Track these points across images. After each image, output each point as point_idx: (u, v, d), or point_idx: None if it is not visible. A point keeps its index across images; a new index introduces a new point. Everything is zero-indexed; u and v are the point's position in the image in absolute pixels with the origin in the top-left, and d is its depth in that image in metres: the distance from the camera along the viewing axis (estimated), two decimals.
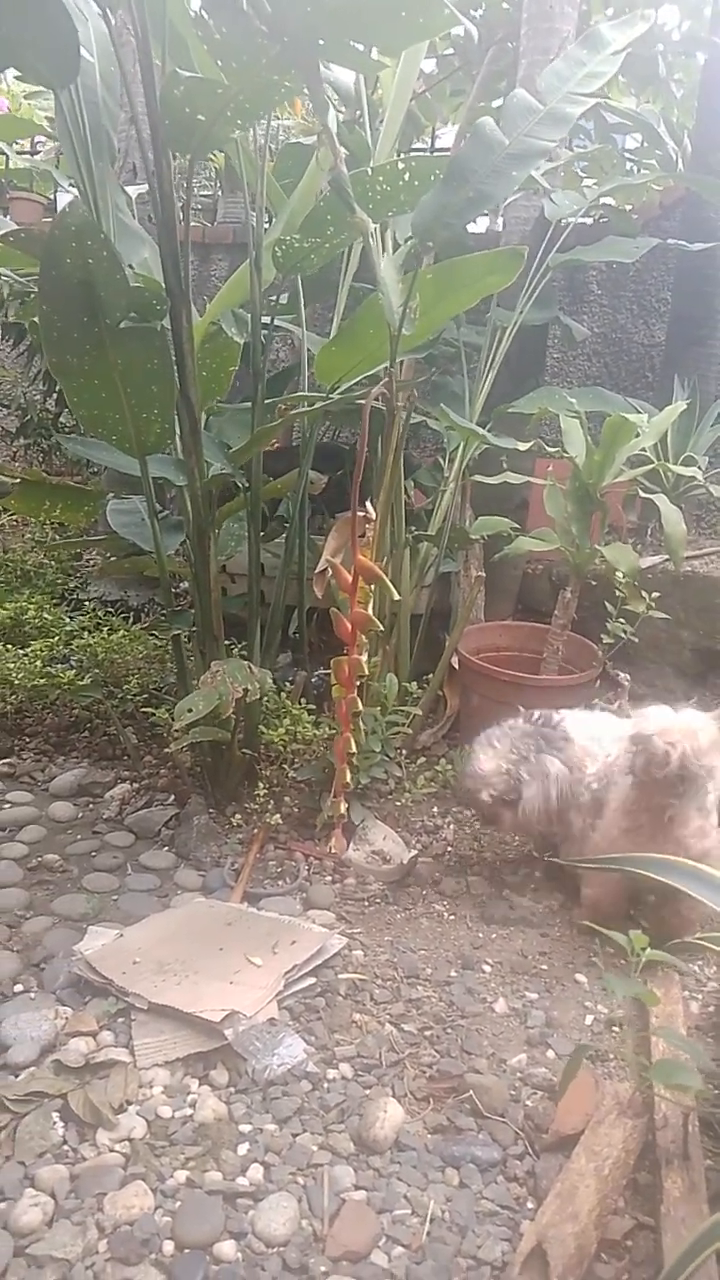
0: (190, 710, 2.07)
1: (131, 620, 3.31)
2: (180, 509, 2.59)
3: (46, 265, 1.87)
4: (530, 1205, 1.42)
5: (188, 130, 1.91)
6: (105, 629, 3.05)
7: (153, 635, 3.01)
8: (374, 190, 2.12)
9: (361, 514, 1.90)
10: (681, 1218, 1.33)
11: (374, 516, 1.89)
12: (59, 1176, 1.42)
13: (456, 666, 2.83)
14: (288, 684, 2.81)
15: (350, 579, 1.81)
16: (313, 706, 2.64)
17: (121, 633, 2.98)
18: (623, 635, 2.57)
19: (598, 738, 2.12)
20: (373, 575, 1.82)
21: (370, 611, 1.94)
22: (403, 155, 2.28)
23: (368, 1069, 1.66)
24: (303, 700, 2.67)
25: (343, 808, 2.10)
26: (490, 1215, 1.40)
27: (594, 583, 2.69)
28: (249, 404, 2.50)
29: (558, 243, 2.95)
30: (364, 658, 1.85)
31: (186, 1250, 1.32)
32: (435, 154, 4.77)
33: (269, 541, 2.92)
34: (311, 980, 1.87)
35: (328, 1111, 1.57)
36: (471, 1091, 1.60)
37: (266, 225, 2.58)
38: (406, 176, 2.08)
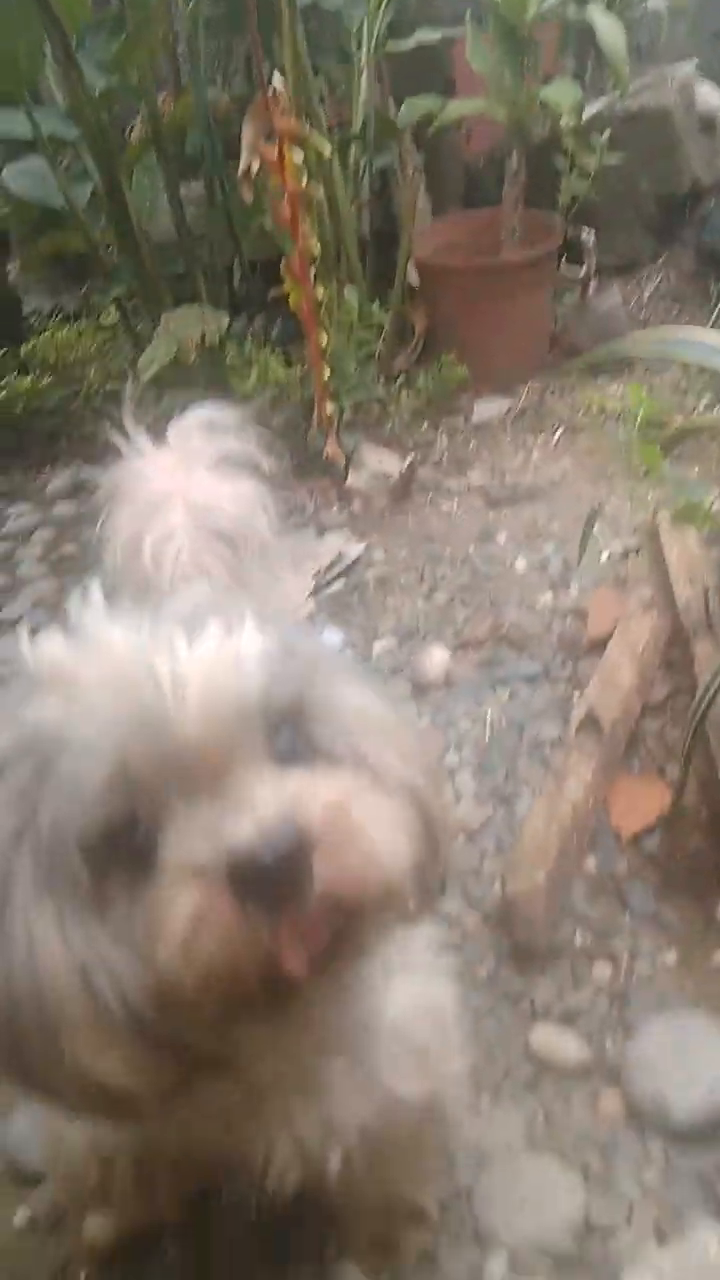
0: (152, 361, 2.00)
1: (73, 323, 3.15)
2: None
3: None
4: (577, 697, 1.56)
5: None
6: (50, 332, 2.91)
7: (101, 328, 2.88)
8: None
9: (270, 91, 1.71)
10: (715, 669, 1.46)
11: (281, 87, 1.70)
12: None
13: (416, 285, 2.69)
14: (247, 339, 2.69)
15: (275, 154, 1.67)
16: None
17: (66, 329, 2.85)
18: (578, 195, 2.41)
19: None
20: (294, 132, 1.66)
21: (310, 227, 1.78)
22: None
23: (410, 636, 1.78)
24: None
25: (329, 408, 2.08)
26: (542, 712, 1.56)
27: (538, 146, 2.48)
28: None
29: None
30: (313, 236, 1.73)
31: None
32: None
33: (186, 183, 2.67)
34: (340, 584, 1.96)
35: (380, 672, 1.70)
36: (507, 628, 1.72)
37: None
38: None
